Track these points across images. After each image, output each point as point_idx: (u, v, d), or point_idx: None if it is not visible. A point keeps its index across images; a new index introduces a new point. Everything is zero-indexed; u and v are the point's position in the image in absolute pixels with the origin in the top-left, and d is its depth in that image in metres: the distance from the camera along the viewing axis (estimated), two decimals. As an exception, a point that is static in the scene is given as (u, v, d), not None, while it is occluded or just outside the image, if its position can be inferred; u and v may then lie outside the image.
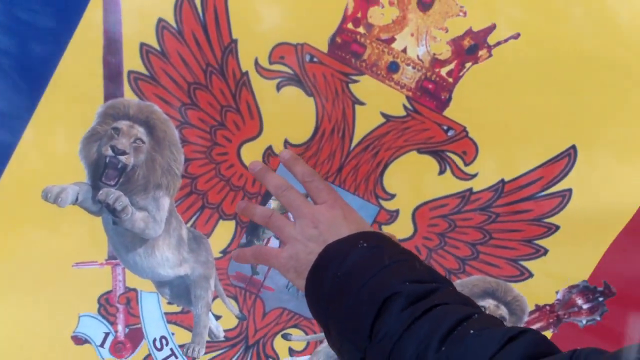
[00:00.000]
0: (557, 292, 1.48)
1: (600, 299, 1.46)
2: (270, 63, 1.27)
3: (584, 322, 1.48)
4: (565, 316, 1.49)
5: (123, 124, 1.28)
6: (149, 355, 1.48)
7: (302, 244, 1.09)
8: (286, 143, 1.33)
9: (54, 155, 1.31)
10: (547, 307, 1.50)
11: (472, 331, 0.89)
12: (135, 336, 1.47)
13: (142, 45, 1.24)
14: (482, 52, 1.26)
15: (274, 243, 1.42)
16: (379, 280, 0.97)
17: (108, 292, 1.44)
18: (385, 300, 0.94)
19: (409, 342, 0.90)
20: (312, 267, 1.05)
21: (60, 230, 1.36)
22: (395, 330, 0.92)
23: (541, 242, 1.42)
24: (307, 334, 1.52)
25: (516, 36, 1.24)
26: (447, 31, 1.25)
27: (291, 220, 1.14)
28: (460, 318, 0.91)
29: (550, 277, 1.47)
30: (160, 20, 1.23)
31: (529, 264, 1.44)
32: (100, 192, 1.30)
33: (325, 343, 1.45)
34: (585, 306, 1.47)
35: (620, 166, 1.37)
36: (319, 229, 1.09)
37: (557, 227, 1.40)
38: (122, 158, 1.29)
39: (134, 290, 1.45)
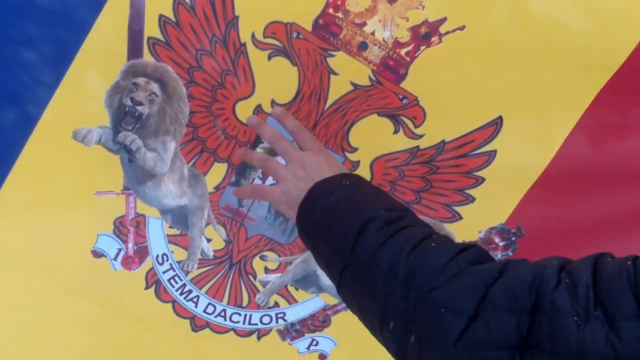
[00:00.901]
0: (480, 232, 1.68)
1: (513, 238, 1.67)
2: (264, 37, 1.49)
3: (499, 256, 1.67)
4: (485, 251, 1.72)
5: (141, 80, 1.50)
6: (152, 268, 1.68)
7: (293, 183, 1.30)
8: (273, 102, 1.55)
9: (84, 102, 1.53)
10: (472, 243, 1.72)
11: (433, 244, 1.08)
12: (142, 252, 1.67)
13: (160, 16, 1.46)
14: (435, 39, 1.49)
15: (257, 182, 1.62)
16: (360, 208, 1.16)
17: (122, 216, 1.64)
18: (365, 222, 1.12)
19: (384, 254, 1.08)
20: (302, 200, 1.25)
21: (85, 164, 1.57)
22: (373, 245, 1.09)
23: (470, 192, 1.64)
24: (280, 256, 1.72)
25: (462, 28, 1.48)
26: (408, 20, 1.49)
27: (283, 164, 1.37)
28: (424, 236, 1.10)
29: (476, 220, 1.67)
30: None
31: (459, 209, 1.66)
32: (120, 134, 1.52)
33: (293, 265, 1.70)
34: (501, 244, 1.67)
35: (534, 133, 1.60)
36: (306, 170, 1.30)
37: (484, 180, 1.62)
38: (139, 108, 1.51)
39: (143, 215, 1.65)
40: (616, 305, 0.86)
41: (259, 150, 1.58)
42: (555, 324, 0.88)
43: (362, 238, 1.11)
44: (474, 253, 1.07)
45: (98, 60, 1.49)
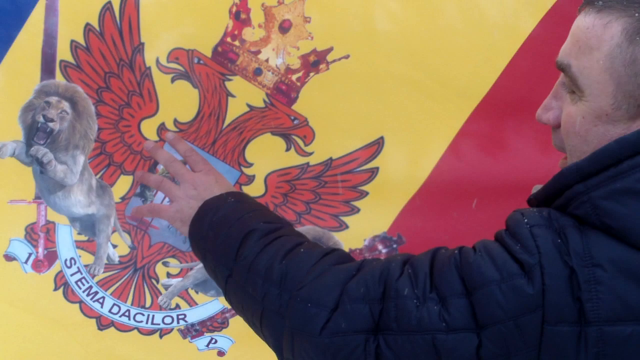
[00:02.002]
0: (364, 240, 1.80)
1: (395, 245, 1.81)
2: (168, 62, 1.62)
3: (382, 262, 1.83)
4: (369, 257, 1.79)
5: (53, 99, 1.61)
6: (61, 271, 1.77)
7: (185, 201, 1.40)
8: (175, 121, 1.67)
9: (0, 118, 1.63)
10: (357, 250, 1.81)
11: (302, 250, 1.21)
12: (51, 257, 1.76)
13: (72, 41, 1.58)
14: (322, 66, 1.65)
15: (160, 195, 1.72)
16: (242, 222, 1.28)
17: (33, 223, 1.73)
18: (247, 234, 1.25)
19: (262, 259, 1.20)
20: (194, 216, 1.36)
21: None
22: (253, 252, 1.22)
23: (355, 203, 1.78)
24: (181, 262, 1.83)
25: (347, 57, 1.64)
26: (298, 49, 1.64)
27: (176, 184, 1.47)
28: (296, 243, 1.23)
29: (361, 229, 1.80)
30: (87, 24, 1.57)
31: (346, 219, 1.80)
32: (32, 148, 1.63)
33: (194, 270, 1.83)
34: (384, 250, 1.80)
35: (412, 152, 1.76)
36: (198, 190, 1.40)
37: (367, 193, 1.76)
38: (51, 124, 1.62)
39: (53, 222, 1.74)
40: (446, 286, 1.03)
41: (160, 166, 1.70)
42: (399, 308, 1.05)
43: (243, 248, 1.24)
44: (337, 255, 1.22)
45: (13, 81, 1.61)
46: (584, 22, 1.08)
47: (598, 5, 1.07)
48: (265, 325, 1.20)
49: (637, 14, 1.02)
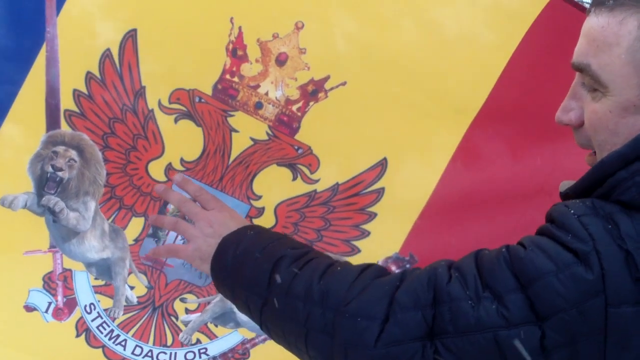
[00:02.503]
0: (378, 262, 1.80)
1: (407, 265, 1.82)
2: (170, 103, 1.65)
3: (396, 281, 1.84)
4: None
5: (60, 148, 1.64)
6: (81, 317, 1.79)
7: (203, 239, 1.39)
8: (182, 161, 1.70)
9: (9, 171, 1.67)
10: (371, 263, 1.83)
11: (338, 268, 1.22)
12: (71, 304, 1.78)
13: (74, 90, 1.62)
14: (321, 95, 1.68)
15: (172, 234, 1.75)
16: (268, 251, 1.28)
17: (50, 272, 1.75)
18: (277, 261, 1.24)
19: (299, 282, 1.19)
20: (214, 253, 1.36)
21: (12, 227, 1.69)
22: (288, 277, 1.21)
23: (365, 227, 1.80)
24: (198, 297, 1.85)
25: (344, 83, 1.68)
26: (296, 80, 1.67)
27: (191, 224, 1.47)
28: (330, 263, 1.22)
29: (373, 252, 1.81)
30: (88, 72, 1.61)
31: (357, 243, 1.81)
32: (43, 198, 1.66)
33: (212, 304, 1.84)
34: (397, 271, 1.64)
35: (415, 170, 1.79)
36: (214, 227, 1.40)
37: (376, 214, 1.79)
38: (59, 173, 1.65)
39: (69, 270, 1.76)
40: (499, 284, 1.05)
41: (170, 206, 1.73)
42: (454, 310, 1.06)
43: (276, 274, 1.24)
44: (375, 269, 1.23)
45: (19, 133, 1.64)
46: (598, 22, 1.12)
47: (609, 4, 1.11)
48: (312, 346, 1.20)
49: None
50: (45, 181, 1.66)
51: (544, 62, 1.73)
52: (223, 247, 1.36)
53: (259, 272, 1.27)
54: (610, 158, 1.08)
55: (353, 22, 1.69)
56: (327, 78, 1.68)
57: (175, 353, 1.87)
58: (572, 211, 1.05)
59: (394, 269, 1.83)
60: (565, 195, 1.19)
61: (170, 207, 1.73)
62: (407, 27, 1.71)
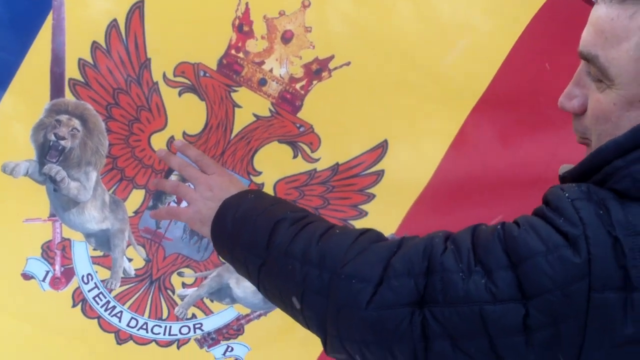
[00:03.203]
0: None
1: None
2: (175, 76, 1.65)
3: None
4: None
5: (63, 117, 1.64)
6: (78, 287, 1.80)
7: (203, 203, 1.44)
8: (184, 134, 1.70)
9: (11, 138, 1.67)
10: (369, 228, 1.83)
11: (337, 231, 1.26)
12: (68, 273, 1.78)
13: (79, 59, 1.61)
14: (325, 74, 1.68)
15: (173, 205, 1.75)
16: (268, 213, 1.32)
17: (49, 241, 1.76)
18: (276, 223, 1.29)
19: (298, 243, 1.24)
20: (215, 215, 1.39)
21: (13, 195, 1.69)
22: (286, 238, 1.25)
23: (363, 207, 1.81)
24: (195, 272, 1.86)
25: (348, 64, 1.68)
26: (301, 58, 1.67)
27: (192, 187, 1.52)
28: (328, 226, 1.27)
29: None
30: (94, 42, 1.61)
31: (355, 222, 1.82)
32: (45, 167, 1.66)
33: (209, 279, 1.85)
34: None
35: (415, 153, 1.80)
36: (214, 191, 1.45)
37: (374, 196, 1.80)
38: (62, 142, 1.65)
39: (68, 239, 1.76)
40: (491, 260, 1.07)
41: (173, 177, 1.74)
42: (445, 281, 1.08)
43: (275, 236, 1.28)
44: (374, 234, 1.27)
45: (23, 101, 1.64)
46: (608, 13, 1.12)
47: None
48: (307, 306, 1.23)
49: None
50: (48, 149, 1.66)
51: (547, 50, 1.73)
52: (223, 210, 1.39)
53: (258, 234, 1.30)
54: (608, 146, 1.09)
55: (359, 3, 1.69)
56: (331, 57, 1.67)
57: (170, 327, 1.88)
58: (566, 194, 1.07)
59: (389, 250, 1.85)
60: (563, 178, 1.22)
61: (173, 178, 1.73)
62: (412, 12, 1.71)
